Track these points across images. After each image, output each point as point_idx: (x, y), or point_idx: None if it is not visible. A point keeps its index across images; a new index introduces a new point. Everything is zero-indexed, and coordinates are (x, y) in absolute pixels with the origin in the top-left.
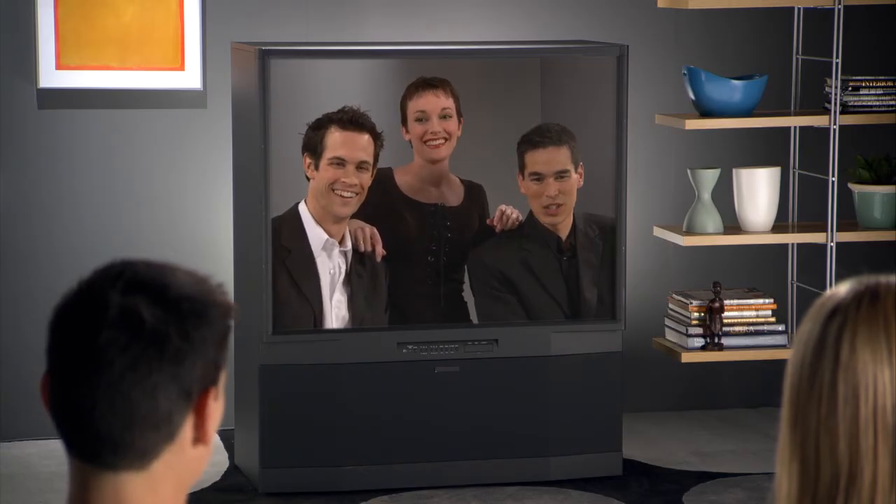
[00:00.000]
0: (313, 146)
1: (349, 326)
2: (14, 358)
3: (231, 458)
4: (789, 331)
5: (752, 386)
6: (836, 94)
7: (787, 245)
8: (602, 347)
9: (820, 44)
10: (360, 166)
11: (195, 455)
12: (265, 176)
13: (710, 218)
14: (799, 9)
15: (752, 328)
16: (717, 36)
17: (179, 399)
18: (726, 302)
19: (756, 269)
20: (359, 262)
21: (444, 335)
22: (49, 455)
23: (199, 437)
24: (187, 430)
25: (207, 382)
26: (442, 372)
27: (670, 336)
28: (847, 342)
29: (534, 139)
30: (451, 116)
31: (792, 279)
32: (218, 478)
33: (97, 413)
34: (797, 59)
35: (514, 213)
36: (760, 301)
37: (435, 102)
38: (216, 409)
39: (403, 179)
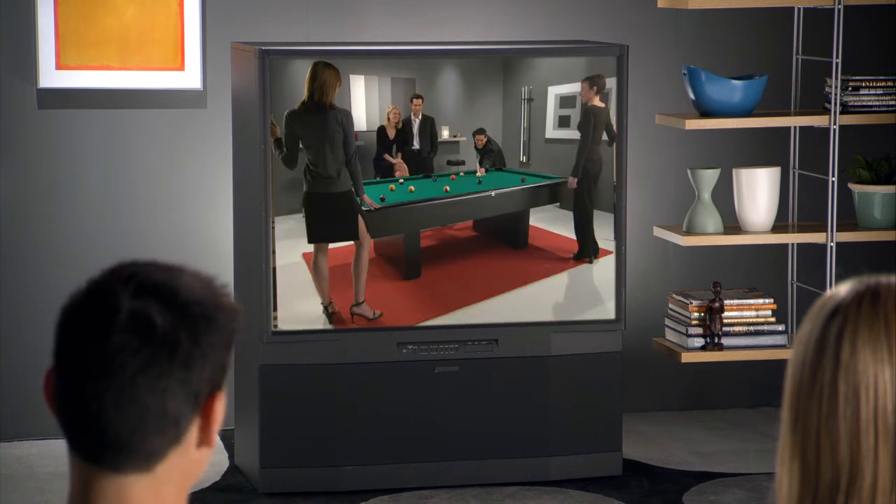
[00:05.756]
0: None
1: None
2: (14, 358)
3: (231, 458)
4: (789, 331)
5: (752, 386)
6: (836, 94)
7: (787, 245)
8: (602, 347)
9: (820, 44)
10: None
11: (199, 457)
12: (265, 176)
13: (710, 218)
14: (799, 9)
15: (752, 328)
16: (717, 36)
17: (187, 402)
18: (726, 302)
19: (756, 269)
20: None
21: (444, 335)
22: (49, 455)
23: (204, 440)
24: (193, 432)
25: (214, 386)
26: (442, 372)
27: (670, 336)
28: (848, 342)
29: None
30: None
31: (792, 279)
32: (218, 478)
33: (105, 416)
34: (797, 59)
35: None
36: (760, 301)
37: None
38: (220, 411)
39: None
